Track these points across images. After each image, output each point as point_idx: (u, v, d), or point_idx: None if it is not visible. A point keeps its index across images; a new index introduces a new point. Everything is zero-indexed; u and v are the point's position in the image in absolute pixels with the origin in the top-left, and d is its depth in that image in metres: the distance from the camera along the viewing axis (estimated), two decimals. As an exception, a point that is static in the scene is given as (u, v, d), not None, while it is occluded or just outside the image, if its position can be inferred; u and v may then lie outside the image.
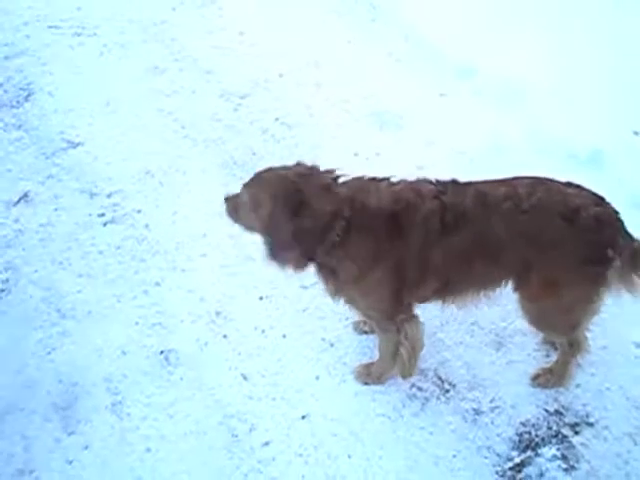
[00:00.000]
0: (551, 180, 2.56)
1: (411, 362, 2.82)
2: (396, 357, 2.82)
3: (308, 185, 2.45)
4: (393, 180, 2.60)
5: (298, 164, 2.57)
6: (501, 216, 2.47)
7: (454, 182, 2.59)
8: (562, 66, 4.22)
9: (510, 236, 2.48)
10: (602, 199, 2.54)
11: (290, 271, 2.60)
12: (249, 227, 2.65)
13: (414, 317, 2.75)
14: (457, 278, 2.62)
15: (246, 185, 2.60)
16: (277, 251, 2.52)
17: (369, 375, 2.96)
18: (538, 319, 2.74)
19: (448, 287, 2.66)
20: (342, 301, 2.74)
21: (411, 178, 2.63)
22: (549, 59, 4.27)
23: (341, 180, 2.55)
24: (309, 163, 2.57)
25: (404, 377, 2.91)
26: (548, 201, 2.47)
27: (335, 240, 2.47)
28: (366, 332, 3.10)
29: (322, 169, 2.55)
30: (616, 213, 2.54)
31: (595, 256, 2.49)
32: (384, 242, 2.50)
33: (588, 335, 2.86)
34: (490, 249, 2.51)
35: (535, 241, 2.48)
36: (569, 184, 2.55)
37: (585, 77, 4.16)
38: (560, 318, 2.69)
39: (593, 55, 4.28)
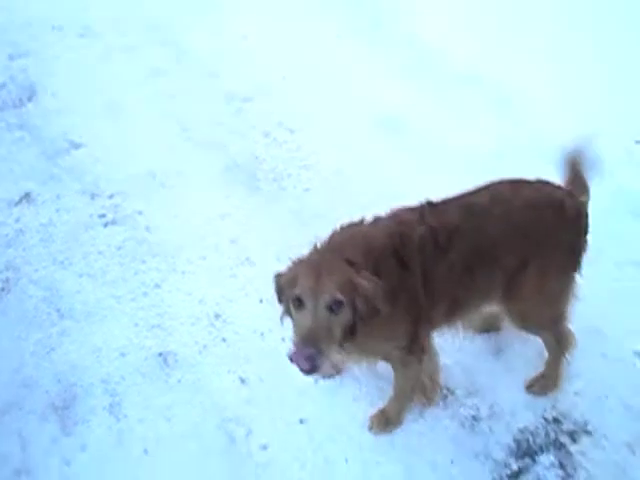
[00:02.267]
0: (526, 180, 2.62)
1: (435, 387, 2.85)
2: (416, 388, 2.79)
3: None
4: (368, 219, 2.51)
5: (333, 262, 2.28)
6: (496, 219, 2.50)
7: (429, 203, 2.55)
8: (564, 74, 4.24)
9: (507, 236, 2.52)
10: (570, 192, 2.62)
11: None
12: None
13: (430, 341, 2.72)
14: (462, 293, 2.61)
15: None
16: None
17: (389, 419, 2.82)
18: (526, 317, 2.76)
19: (456, 305, 2.65)
20: (355, 359, 2.63)
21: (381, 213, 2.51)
22: (551, 67, 4.28)
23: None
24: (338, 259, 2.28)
25: (430, 404, 2.88)
26: (535, 197, 2.54)
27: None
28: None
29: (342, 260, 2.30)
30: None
31: (579, 244, 2.60)
32: (395, 280, 2.39)
33: (572, 329, 2.84)
34: (489, 255, 2.53)
35: (532, 235, 2.53)
36: (540, 181, 2.62)
37: (587, 85, 4.18)
38: (547, 311, 2.73)
39: (595, 63, 4.31)
